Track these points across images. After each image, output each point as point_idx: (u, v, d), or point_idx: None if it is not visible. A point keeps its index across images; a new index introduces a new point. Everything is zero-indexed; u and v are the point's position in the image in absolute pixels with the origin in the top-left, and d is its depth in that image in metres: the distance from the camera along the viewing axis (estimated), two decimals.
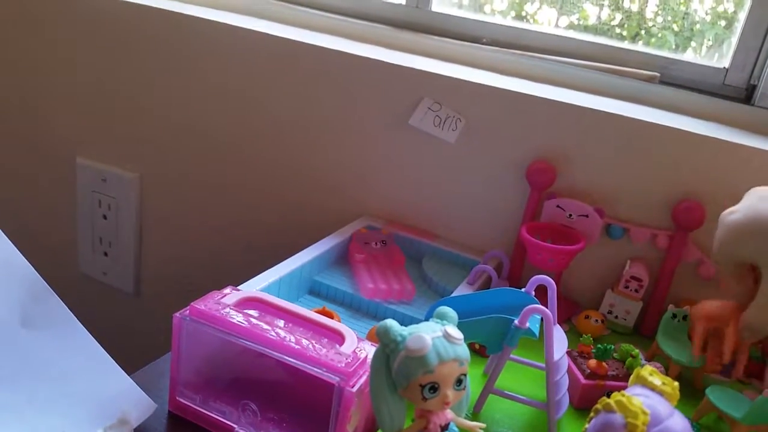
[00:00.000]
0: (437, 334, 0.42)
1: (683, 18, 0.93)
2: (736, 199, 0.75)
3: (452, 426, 0.44)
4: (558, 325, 0.60)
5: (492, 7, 1.03)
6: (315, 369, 0.46)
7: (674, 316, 0.70)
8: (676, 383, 0.43)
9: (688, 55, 0.93)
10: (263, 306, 0.54)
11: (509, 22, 1.00)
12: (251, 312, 0.52)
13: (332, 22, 1.04)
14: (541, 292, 0.58)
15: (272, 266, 0.72)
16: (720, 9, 0.92)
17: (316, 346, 0.48)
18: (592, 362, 0.62)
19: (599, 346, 0.63)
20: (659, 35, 0.94)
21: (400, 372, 0.41)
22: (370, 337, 0.61)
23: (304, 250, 0.77)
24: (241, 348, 0.49)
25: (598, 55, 0.93)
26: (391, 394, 0.42)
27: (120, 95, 1.10)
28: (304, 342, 0.48)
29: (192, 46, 1.01)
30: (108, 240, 1.19)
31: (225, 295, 0.53)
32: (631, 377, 0.44)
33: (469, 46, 0.96)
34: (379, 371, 0.42)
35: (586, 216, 0.79)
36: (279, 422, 0.51)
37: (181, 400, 0.54)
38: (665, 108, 0.87)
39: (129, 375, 0.54)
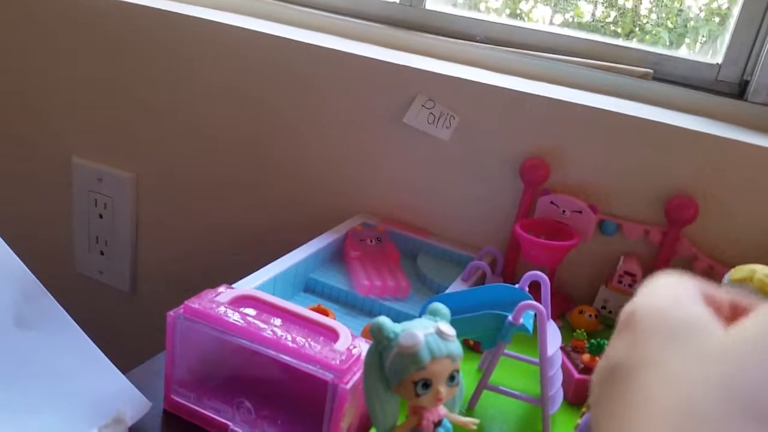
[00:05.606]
0: (429, 331, 0.42)
1: (677, 15, 0.93)
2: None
3: (445, 422, 0.45)
4: (552, 321, 0.60)
5: (486, 5, 1.03)
6: (309, 366, 0.47)
7: None
8: None
9: (682, 52, 0.93)
10: (257, 304, 0.54)
11: (503, 19, 1.00)
12: (244, 310, 0.52)
13: (327, 20, 1.04)
14: (535, 288, 0.58)
15: (268, 264, 0.72)
16: (714, 5, 0.92)
17: (311, 343, 0.48)
18: (586, 357, 0.62)
19: (593, 341, 0.63)
20: (653, 32, 0.94)
21: (393, 369, 0.41)
22: (365, 334, 0.61)
23: (300, 248, 0.77)
24: (235, 346, 0.49)
25: (592, 52, 0.94)
26: (384, 390, 0.42)
27: (116, 95, 1.10)
28: (299, 339, 0.48)
29: (187, 45, 1.01)
30: (104, 239, 1.19)
31: (219, 293, 0.53)
32: None
33: (463, 43, 0.97)
34: (372, 368, 0.43)
35: (580, 212, 0.79)
36: (273, 419, 0.52)
37: (176, 398, 0.54)
38: (659, 104, 0.87)
39: (124, 374, 0.54)
